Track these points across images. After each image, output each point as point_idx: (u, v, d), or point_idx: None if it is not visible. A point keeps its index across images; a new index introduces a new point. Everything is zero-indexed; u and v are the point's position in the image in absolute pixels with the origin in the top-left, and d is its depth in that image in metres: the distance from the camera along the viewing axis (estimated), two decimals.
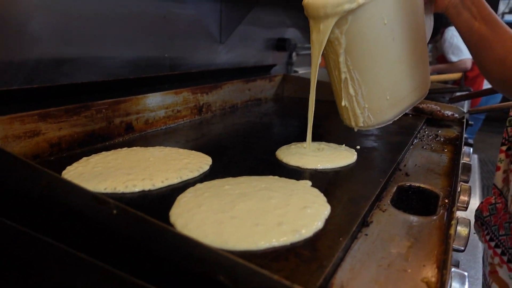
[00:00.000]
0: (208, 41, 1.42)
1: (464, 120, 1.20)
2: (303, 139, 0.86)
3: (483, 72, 0.84)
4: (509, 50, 0.75)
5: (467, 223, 0.61)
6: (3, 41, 0.80)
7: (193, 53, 1.35)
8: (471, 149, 1.12)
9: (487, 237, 0.74)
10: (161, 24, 1.18)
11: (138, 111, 0.95)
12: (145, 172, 0.67)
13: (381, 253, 0.50)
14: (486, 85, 2.78)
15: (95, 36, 0.98)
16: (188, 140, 0.95)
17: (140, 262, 0.40)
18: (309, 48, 0.79)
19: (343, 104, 0.79)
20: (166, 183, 0.65)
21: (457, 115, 1.22)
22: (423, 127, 1.16)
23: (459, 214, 0.71)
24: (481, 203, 0.79)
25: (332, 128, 1.14)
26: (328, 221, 0.55)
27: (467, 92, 1.75)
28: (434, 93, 1.77)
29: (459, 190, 0.73)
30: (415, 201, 0.72)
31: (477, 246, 1.23)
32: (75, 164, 0.71)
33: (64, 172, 0.67)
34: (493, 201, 0.75)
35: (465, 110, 1.28)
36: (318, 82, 0.79)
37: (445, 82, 2.14)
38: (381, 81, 0.76)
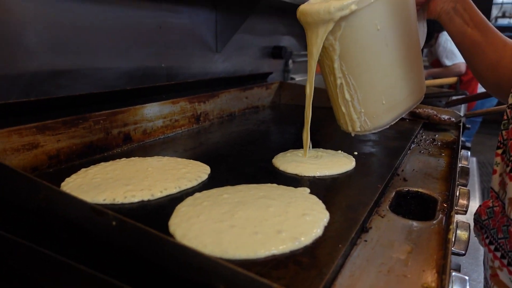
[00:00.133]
0: (204, 50, 1.43)
1: (461, 124, 1.21)
2: (300, 146, 0.86)
3: (477, 77, 0.84)
4: (501, 55, 0.76)
5: (466, 227, 0.62)
6: None
7: (190, 62, 1.36)
8: (469, 153, 1.12)
9: (487, 241, 0.74)
10: (157, 35, 1.19)
11: (136, 122, 0.95)
12: (143, 182, 0.68)
13: (380, 259, 0.50)
14: (481, 88, 2.80)
15: (91, 47, 0.99)
16: (186, 149, 0.95)
17: (140, 273, 0.40)
18: (305, 55, 0.80)
19: (342, 108, 0.80)
20: (165, 193, 0.65)
21: (453, 119, 1.23)
22: (420, 132, 1.17)
23: (459, 218, 0.71)
24: (480, 206, 0.79)
25: (329, 133, 1.14)
26: (327, 228, 0.55)
27: (463, 96, 1.77)
28: (430, 98, 1.78)
29: (457, 194, 0.74)
30: (414, 206, 0.72)
31: (479, 249, 1.23)
32: (73, 176, 0.71)
33: (63, 184, 0.68)
34: (490, 204, 0.75)
35: (461, 113, 1.29)
36: (314, 88, 0.79)
37: (441, 86, 2.15)
38: (376, 86, 0.76)
